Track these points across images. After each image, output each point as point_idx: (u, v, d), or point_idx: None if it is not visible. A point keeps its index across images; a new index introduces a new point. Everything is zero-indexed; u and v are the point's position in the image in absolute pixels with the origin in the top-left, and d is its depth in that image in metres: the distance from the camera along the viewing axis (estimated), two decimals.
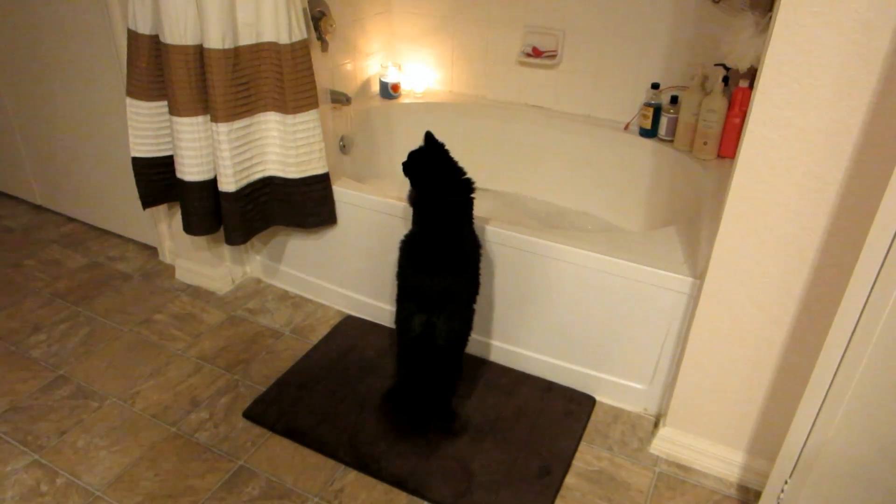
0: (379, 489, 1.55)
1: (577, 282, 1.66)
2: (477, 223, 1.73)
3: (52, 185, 2.60)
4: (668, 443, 1.62)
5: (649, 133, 2.26)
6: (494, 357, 1.92)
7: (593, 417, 1.75)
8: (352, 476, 1.58)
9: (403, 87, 2.67)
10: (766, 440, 1.51)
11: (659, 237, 1.68)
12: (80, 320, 2.10)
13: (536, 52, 2.42)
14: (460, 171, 1.64)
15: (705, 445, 1.58)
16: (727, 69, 2.02)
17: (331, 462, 1.62)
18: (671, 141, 2.22)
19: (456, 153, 2.63)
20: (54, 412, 1.76)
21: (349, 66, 2.54)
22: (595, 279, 1.63)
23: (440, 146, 1.66)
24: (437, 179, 1.62)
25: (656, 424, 1.71)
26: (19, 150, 2.57)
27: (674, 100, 2.18)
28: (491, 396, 1.80)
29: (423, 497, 1.52)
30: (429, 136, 1.66)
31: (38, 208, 2.73)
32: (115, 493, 1.54)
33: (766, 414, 1.48)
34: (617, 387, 1.76)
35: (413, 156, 1.65)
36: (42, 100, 2.36)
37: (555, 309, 1.74)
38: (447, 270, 1.55)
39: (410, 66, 2.73)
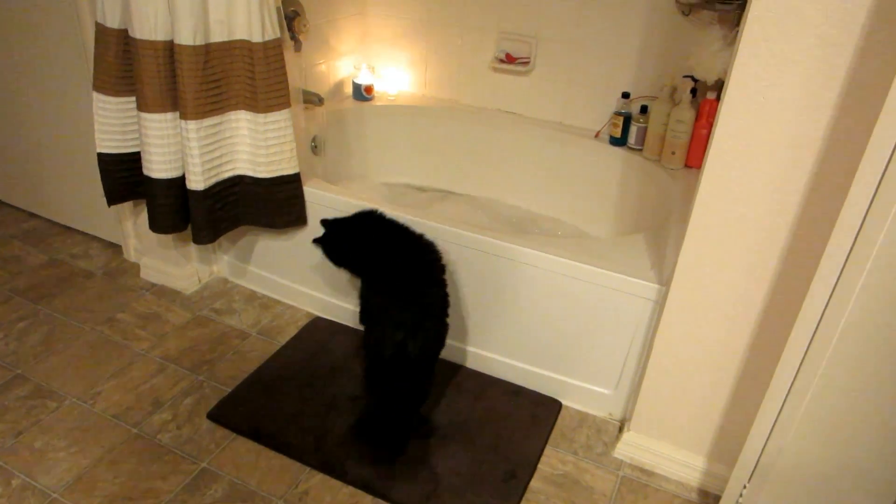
0: (344, 492, 1.54)
1: (545, 287, 1.68)
2: (447, 227, 1.73)
3: (12, 180, 2.53)
4: (632, 447, 1.64)
5: (619, 141, 2.29)
6: (463, 361, 1.93)
7: (559, 422, 1.77)
8: (317, 479, 1.57)
9: (377, 90, 2.67)
10: (727, 445, 1.54)
11: (627, 244, 1.71)
12: (40, 318, 2.05)
13: (510, 59, 2.44)
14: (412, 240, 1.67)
15: (668, 450, 1.61)
16: (695, 81, 2.06)
17: (296, 464, 1.60)
18: (640, 150, 2.25)
19: (428, 157, 2.65)
20: (10, 412, 1.71)
21: (322, 67, 2.52)
22: (563, 284, 1.65)
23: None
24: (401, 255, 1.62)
25: (621, 429, 1.73)
26: None
27: (643, 109, 2.22)
28: (459, 400, 1.80)
29: (388, 500, 1.52)
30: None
31: None
32: (73, 495, 1.50)
33: (726, 420, 1.51)
34: (583, 391, 1.78)
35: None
36: (5, 93, 2.30)
37: (523, 313, 1.75)
38: (424, 288, 1.55)
39: (384, 69, 2.73)
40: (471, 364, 1.92)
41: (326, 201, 1.92)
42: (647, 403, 1.58)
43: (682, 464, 1.60)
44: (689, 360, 1.48)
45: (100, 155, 1.88)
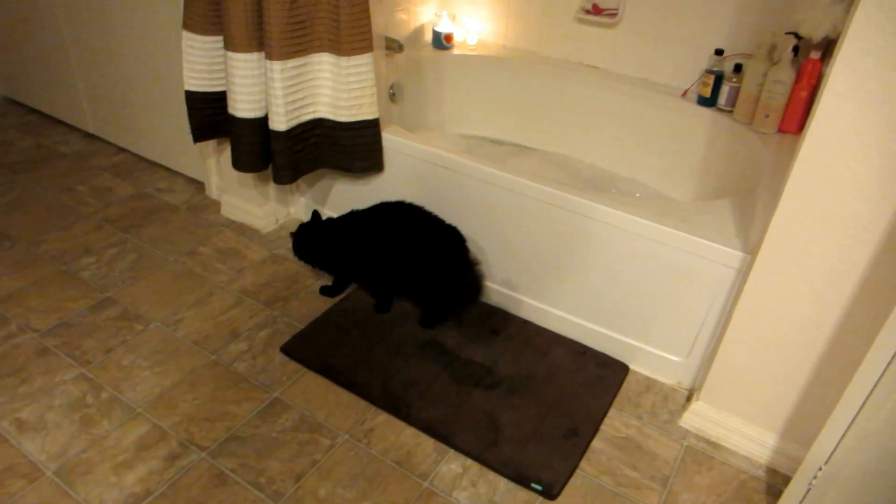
0: (407, 433, 1.58)
1: (621, 247, 1.64)
2: (523, 180, 1.71)
3: (105, 115, 2.64)
4: (700, 417, 1.61)
5: (708, 102, 2.18)
6: (531, 316, 1.92)
7: (625, 385, 1.75)
8: (382, 418, 1.61)
9: (456, 38, 2.62)
10: (802, 425, 1.49)
11: (711, 209, 1.64)
12: (128, 247, 2.15)
13: (596, 10, 2.34)
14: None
15: (737, 424, 1.57)
16: (798, 38, 1.93)
17: (363, 403, 1.65)
18: (731, 111, 2.14)
19: (506, 110, 2.60)
20: (101, 331, 1.82)
21: (403, 14, 2.49)
22: (641, 246, 1.61)
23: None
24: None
25: (689, 398, 1.70)
26: (75, 78, 2.61)
27: (737, 68, 2.10)
28: (525, 354, 1.80)
29: (449, 444, 1.55)
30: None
31: (91, 136, 2.78)
32: (155, 411, 1.60)
33: (805, 398, 1.46)
34: (652, 357, 1.75)
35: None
36: (100, 29, 2.38)
37: (596, 273, 1.72)
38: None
39: (465, 17, 2.67)
40: (538, 320, 1.91)
41: (404, 148, 1.92)
42: (720, 375, 1.54)
43: (752, 439, 1.56)
44: (770, 333, 1.42)
45: (187, 93, 1.93)
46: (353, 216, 1.92)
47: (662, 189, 2.34)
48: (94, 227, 2.23)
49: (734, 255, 1.49)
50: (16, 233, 2.18)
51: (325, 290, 2.00)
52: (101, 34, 2.39)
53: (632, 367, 1.80)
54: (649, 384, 1.76)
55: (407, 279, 1.85)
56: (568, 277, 1.78)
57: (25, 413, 1.57)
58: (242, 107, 1.84)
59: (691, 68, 2.24)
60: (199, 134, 2.02)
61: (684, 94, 2.25)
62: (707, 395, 1.59)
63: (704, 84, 2.17)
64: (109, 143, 2.74)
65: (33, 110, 2.96)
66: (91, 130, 2.75)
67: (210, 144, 2.25)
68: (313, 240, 1.92)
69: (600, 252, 1.68)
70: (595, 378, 1.75)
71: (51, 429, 1.54)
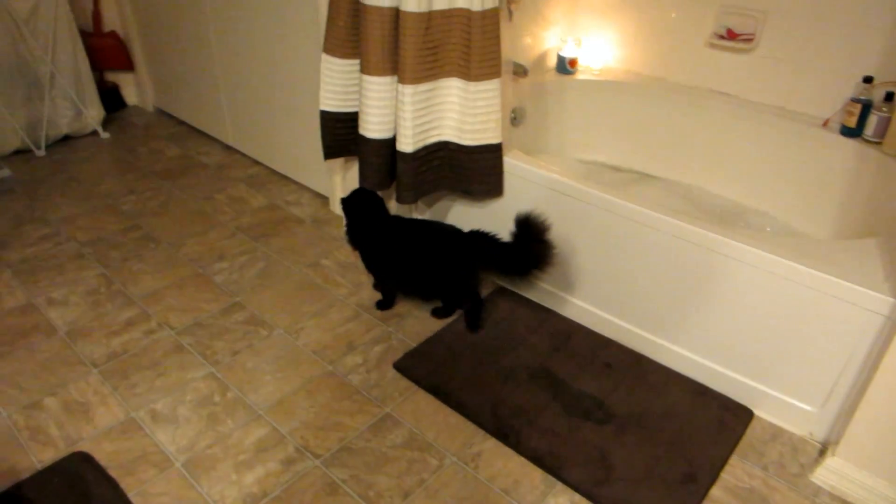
0: (515, 461, 1.56)
1: (751, 285, 1.55)
2: (645, 210, 1.66)
3: (243, 130, 2.83)
4: (836, 475, 1.48)
5: (853, 132, 2.04)
6: (646, 350, 1.86)
7: (749, 431, 1.65)
8: (490, 443, 1.61)
9: (581, 63, 2.60)
10: None
11: (855, 248, 1.52)
12: (258, 255, 2.29)
13: (731, 35, 2.25)
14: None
15: (881, 486, 1.43)
16: None
17: (471, 426, 1.65)
18: (879, 143, 1.99)
19: (628, 136, 2.55)
20: (230, 333, 1.94)
21: (528, 39, 2.51)
22: (773, 284, 1.51)
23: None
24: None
25: (823, 452, 1.57)
26: (220, 96, 2.82)
27: (889, 97, 1.95)
28: (639, 390, 1.74)
29: (558, 477, 1.52)
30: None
31: (230, 148, 2.99)
32: (275, 415, 1.67)
33: None
34: (780, 404, 1.64)
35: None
36: (246, 52, 2.56)
37: (721, 311, 1.64)
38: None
39: (590, 41, 2.65)
40: (655, 356, 1.84)
41: (524, 173, 1.92)
42: (862, 429, 1.42)
43: None
44: None
45: (322, 112, 2.03)
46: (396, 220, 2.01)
47: (796, 224, 2.20)
48: (228, 235, 2.39)
49: (882, 301, 1.37)
50: (161, 235, 2.37)
51: (380, 304, 2.08)
52: (246, 56, 2.57)
53: (756, 412, 1.69)
54: (776, 432, 1.65)
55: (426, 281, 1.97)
56: (690, 314, 1.71)
57: (160, 405, 1.70)
58: (373, 127, 1.91)
59: (834, 96, 2.10)
60: (330, 151, 2.12)
61: (825, 123, 2.12)
62: (846, 450, 1.47)
63: (849, 113, 2.02)
64: (245, 156, 2.93)
65: (181, 122, 3.23)
66: (230, 143, 2.96)
67: (338, 162, 2.35)
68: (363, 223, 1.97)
69: (728, 289, 1.60)
70: (715, 421, 1.65)
71: (181, 422, 1.65)
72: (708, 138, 2.36)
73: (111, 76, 3.25)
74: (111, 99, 3.22)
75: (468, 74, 1.82)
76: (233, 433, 1.63)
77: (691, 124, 2.39)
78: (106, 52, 3.09)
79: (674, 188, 2.44)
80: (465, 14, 1.76)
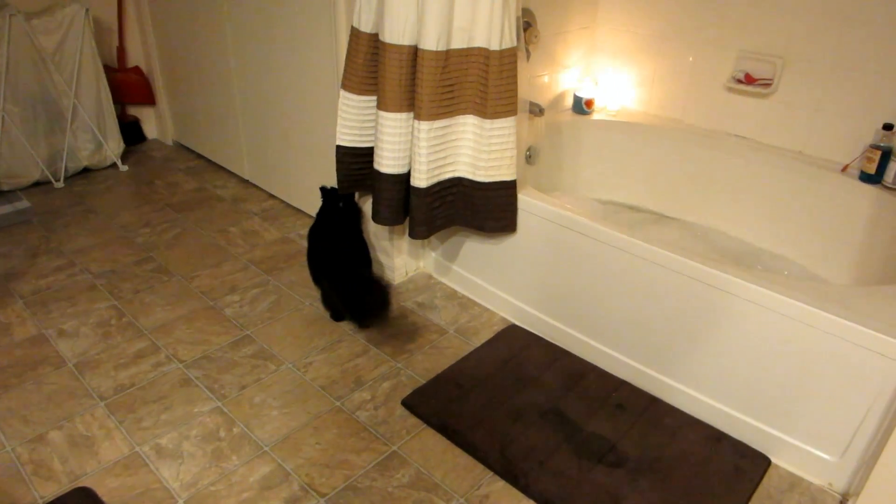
0: None
1: (769, 329, 1.52)
2: (660, 250, 1.64)
3: (259, 163, 2.86)
4: None
5: (872, 178, 2.02)
6: (660, 393, 1.82)
7: (766, 480, 1.59)
8: (499, 485, 1.57)
9: (597, 104, 2.62)
10: None
11: (877, 294, 1.49)
12: (269, 288, 2.28)
13: (749, 79, 2.26)
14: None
15: None
16: None
17: (479, 466, 1.62)
18: None
19: (645, 176, 2.55)
20: (238, 367, 1.92)
21: (545, 78, 2.53)
22: (792, 329, 1.48)
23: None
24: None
25: (842, 503, 1.52)
26: (239, 131, 2.86)
27: None
28: (653, 434, 1.70)
29: None
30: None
31: (246, 182, 3.02)
32: (280, 452, 1.65)
33: None
34: (799, 452, 1.59)
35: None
36: (265, 88, 2.60)
37: (738, 355, 1.60)
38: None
39: (606, 82, 2.67)
40: (669, 398, 1.80)
41: (538, 210, 1.92)
42: (885, 482, 1.36)
43: None
44: None
45: (338, 147, 2.04)
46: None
47: (814, 269, 2.17)
48: (241, 268, 2.40)
49: None
50: (174, 267, 2.38)
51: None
52: (265, 92, 2.62)
53: (774, 460, 1.64)
54: (794, 482, 1.59)
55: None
56: (706, 357, 1.67)
57: (165, 440, 1.67)
58: (388, 163, 1.92)
59: (853, 142, 2.09)
60: (344, 185, 2.13)
61: (844, 168, 2.10)
62: (866, 502, 1.41)
63: (869, 160, 2.01)
64: (261, 190, 2.95)
65: (200, 156, 3.27)
66: (246, 177, 2.99)
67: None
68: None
69: (745, 333, 1.57)
70: (731, 468, 1.60)
71: (186, 458, 1.62)
72: (725, 180, 2.36)
73: (132, 110, 3.32)
74: (131, 132, 3.28)
75: (484, 112, 1.83)
76: (237, 470, 1.60)
77: (709, 166, 2.39)
78: (129, 87, 3.16)
79: (691, 230, 2.43)
80: (482, 53, 1.78)
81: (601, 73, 2.67)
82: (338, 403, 1.80)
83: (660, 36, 2.46)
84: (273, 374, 1.90)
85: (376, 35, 1.85)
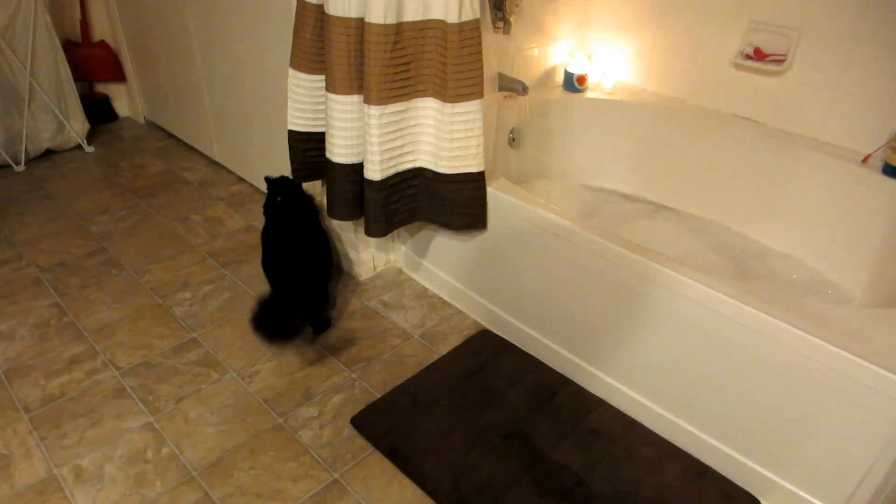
0: None
1: (763, 358, 1.30)
2: (643, 259, 1.42)
3: (229, 146, 2.66)
4: None
5: None
6: (640, 416, 1.61)
7: None
8: None
9: (591, 80, 2.36)
10: None
11: (892, 320, 1.26)
12: (224, 284, 2.10)
13: (759, 55, 2.00)
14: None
15: None
16: None
17: (429, 501, 1.43)
18: None
19: (642, 162, 2.30)
20: (178, 376, 1.76)
21: (535, 51, 2.28)
22: (790, 360, 1.26)
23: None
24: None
25: None
26: (206, 109, 2.66)
27: None
28: (627, 465, 1.50)
29: None
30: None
31: (216, 164, 2.83)
32: (210, 477, 1.48)
33: None
34: (792, 497, 1.37)
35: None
36: (229, 65, 2.39)
37: (729, 381, 1.38)
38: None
39: (601, 56, 2.41)
40: (649, 423, 1.59)
41: (510, 207, 1.70)
42: None
43: None
44: None
45: (290, 132, 1.84)
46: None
47: (826, 272, 1.92)
48: (197, 260, 2.22)
49: None
50: (126, 260, 2.21)
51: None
52: (229, 69, 2.41)
53: (763, 502, 1.43)
54: None
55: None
56: (692, 379, 1.46)
57: (87, 460, 1.52)
58: (340, 151, 1.72)
59: (876, 130, 1.83)
60: (300, 174, 1.93)
61: (866, 159, 1.84)
62: None
63: (894, 150, 1.75)
64: (231, 172, 2.76)
65: (171, 136, 3.08)
66: (216, 159, 2.80)
67: (315, 185, 2.16)
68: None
69: (736, 358, 1.35)
70: None
71: (106, 483, 1.47)
72: (731, 169, 2.10)
73: (102, 87, 3.13)
74: (101, 111, 3.10)
75: (444, 95, 1.60)
76: (159, 499, 1.43)
77: (712, 152, 2.13)
78: (95, 63, 2.97)
79: (690, 223, 2.18)
80: (440, 27, 1.55)
81: (595, 47, 2.41)
82: (280, 420, 1.63)
83: (660, 5, 2.18)
84: (215, 384, 1.73)
85: (322, 6, 1.62)
